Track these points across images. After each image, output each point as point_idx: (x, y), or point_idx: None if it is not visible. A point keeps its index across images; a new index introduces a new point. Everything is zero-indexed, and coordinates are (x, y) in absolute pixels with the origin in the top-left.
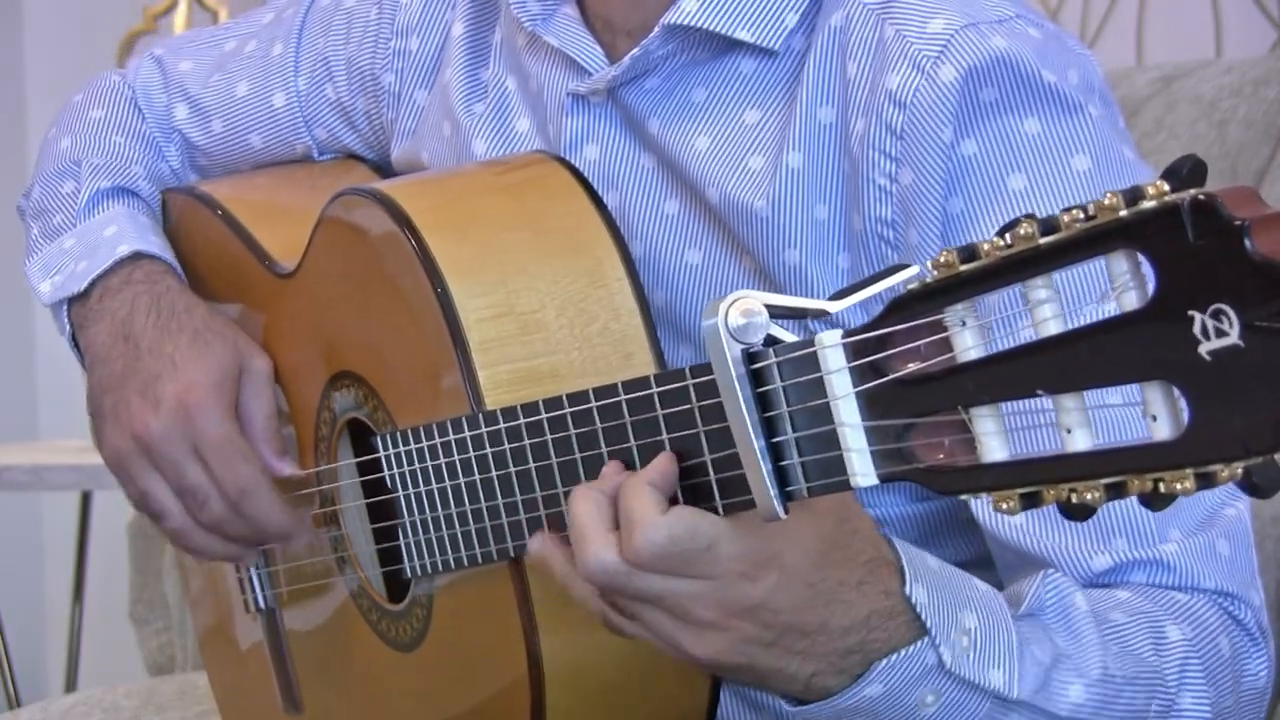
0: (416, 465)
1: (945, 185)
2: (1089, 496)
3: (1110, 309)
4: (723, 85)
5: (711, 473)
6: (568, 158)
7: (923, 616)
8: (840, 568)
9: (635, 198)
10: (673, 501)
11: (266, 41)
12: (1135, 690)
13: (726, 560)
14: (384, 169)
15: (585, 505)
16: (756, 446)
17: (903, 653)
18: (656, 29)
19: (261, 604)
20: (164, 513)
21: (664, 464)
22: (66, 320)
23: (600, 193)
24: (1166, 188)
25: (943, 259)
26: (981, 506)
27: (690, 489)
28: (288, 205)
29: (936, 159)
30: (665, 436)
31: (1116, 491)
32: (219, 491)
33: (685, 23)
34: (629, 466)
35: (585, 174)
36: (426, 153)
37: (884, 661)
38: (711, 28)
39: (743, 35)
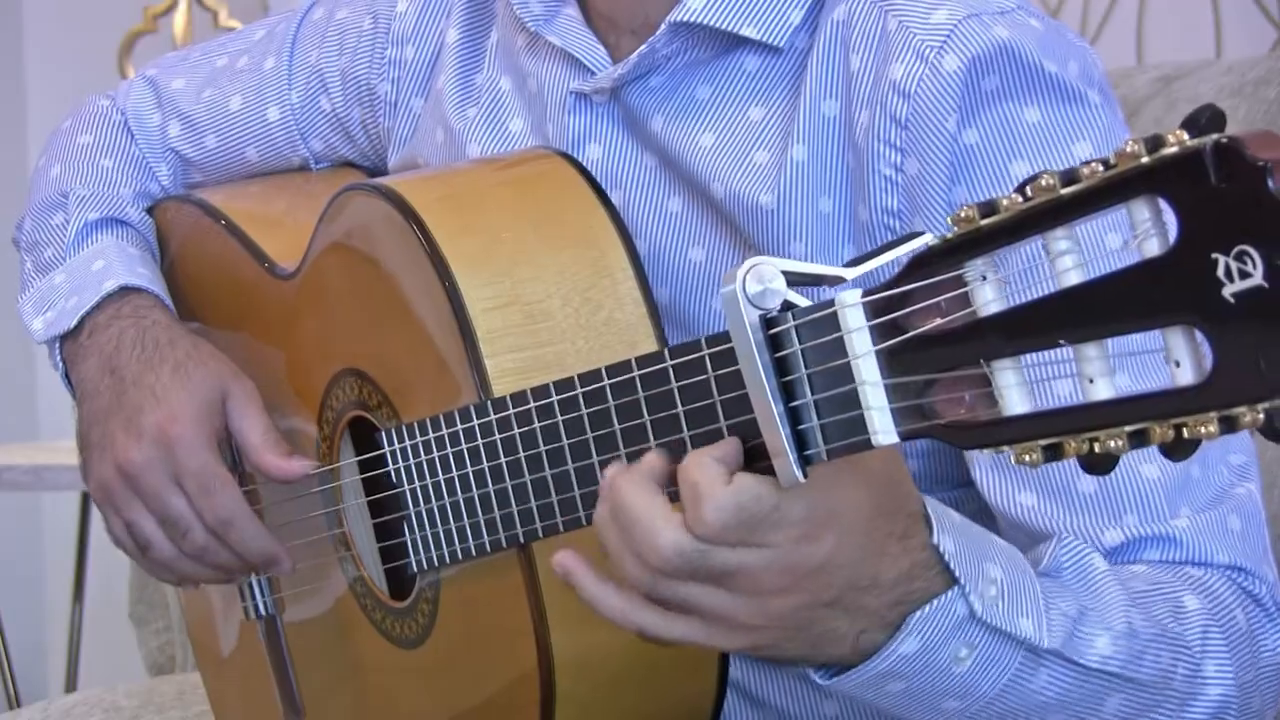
0: (423, 457)
1: (949, 174)
2: (1112, 445)
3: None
4: (727, 83)
5: None
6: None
7: (951, 566)
8: (888, 520)
9: (638, 196)
10: None
11: (259, 56)
12: (1160, 648)
13: (789, 524)
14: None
15: (639, 494)
16: (775, 411)
17: (935, 602)
18: (663, 26)
19: (263, 611)
20: (150, 543)
21: (731, 445)
22: (59, 358)
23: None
24: (1186, 136)
25: (963, 214)
26: (992, 487)
27: None
28: (283, 210)
29: (941, 148)
30: (680, 410)
31: (1139, 439)
32: (201, 521)
33: (691, 20)
34: (642, 442)
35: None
36: (422, 160)
37: (919, 612)
38: (717, 25)
39: (748, 32)
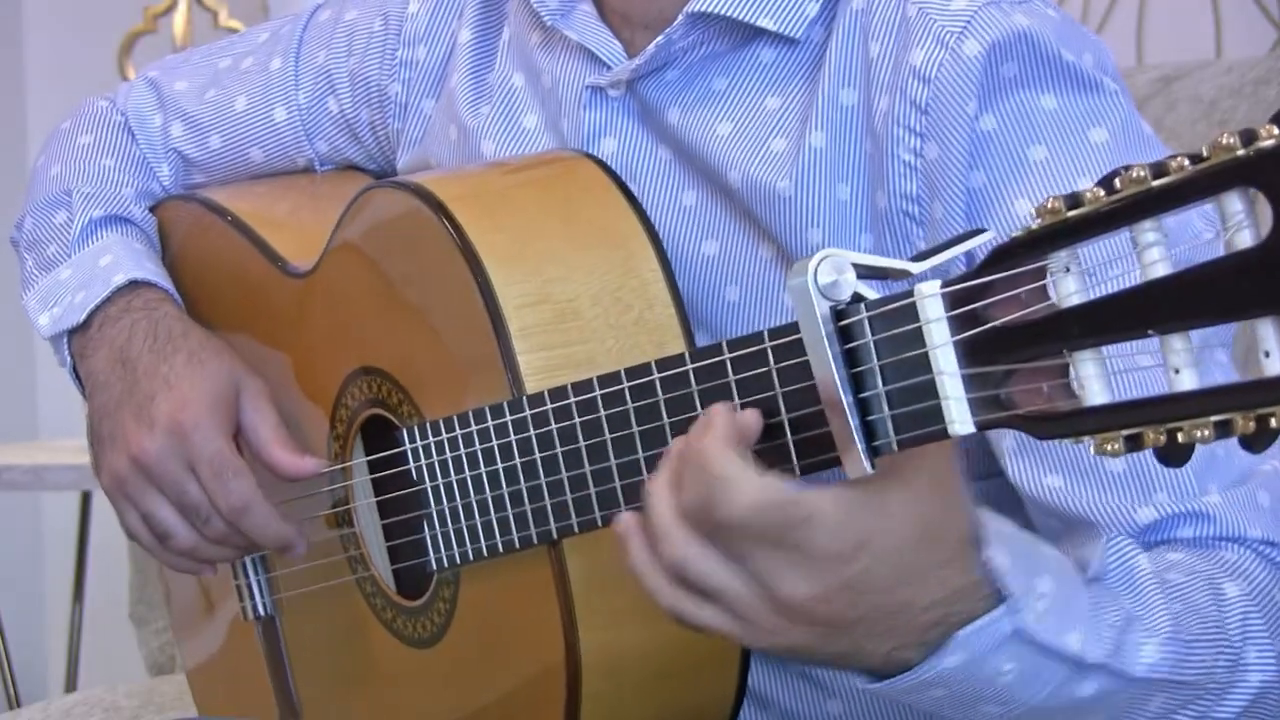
0: (448, 454)
1: (968, 159)
2: (1197, 434)
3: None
4: (743, 74)
5: (789, 434)
6: (586, 149)
7: (1005, 581)
8: (931, 548)
9: (653, 189)
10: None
11: (264, 57)
12: (1204, 647)
13: (823, 535)
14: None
15: (726, 451)
16: (846, 402)
17: (982, 620)
18: (680, 17)
19: (261, 611)
20: (170, 532)
21: (751, 419)
22: (67, 352)
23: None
24: (1277, 130)
25: (1050, 205)
26: (1019, 471)
27: (765, 451)
28: (290, 210)
29: (960, 132)
30: (737, 402)
31: (1224, 429)
32: (216, 509)
33: (709, 10)
34: None
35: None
36: (434, 159)
37: (962, 631)
38: (735, 15)
39: (765, 23)
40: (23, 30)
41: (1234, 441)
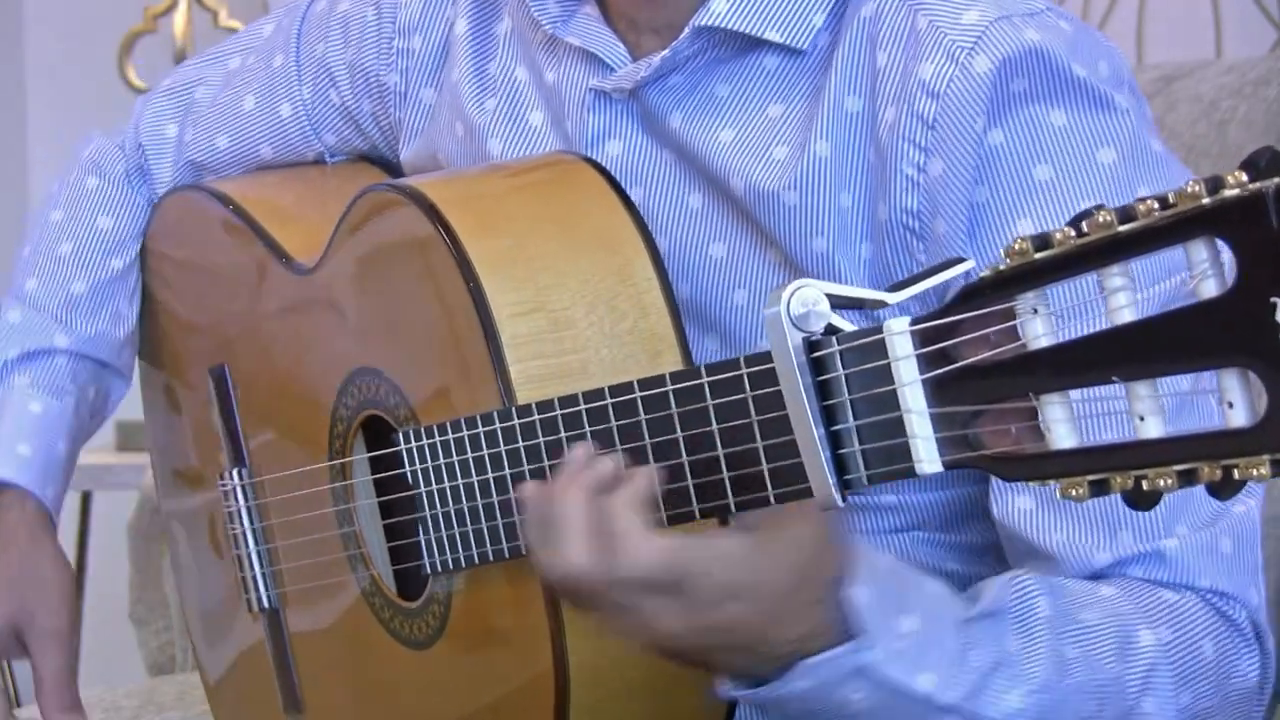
0: (441, 460)
1: (974, 174)
2: (1161, 483)
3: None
4: (747, 81)
5: (764, 462)
6: (590, 153)
7: (858, 618)
8: (804, 592)
9: (658, 192)
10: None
11: (267, 54)
12: (1084, 697)
13: (703, 590)
14: (394, 170)
15: (574, 505)
16: (816, 434)
17: (827, 654)
18: (686, 30)
19: (265, 604)
20: None
21: (647, 479)
22: None
23: (625, 188)
24: (1245, 177)
25: (1017, 246)
26: (995, 488)
27: (740, 479)
28: (299, 204)
29: (968, 149)
30: (715, 427)
31: (1188, 479)
32: None
33: (715, 24)
34: (674, 457)
35: (609, 170)
36: (441, 154)
37: (808, 660)
38: (741, 29)
39: (772, 35)
40: (23, 30)
41: None
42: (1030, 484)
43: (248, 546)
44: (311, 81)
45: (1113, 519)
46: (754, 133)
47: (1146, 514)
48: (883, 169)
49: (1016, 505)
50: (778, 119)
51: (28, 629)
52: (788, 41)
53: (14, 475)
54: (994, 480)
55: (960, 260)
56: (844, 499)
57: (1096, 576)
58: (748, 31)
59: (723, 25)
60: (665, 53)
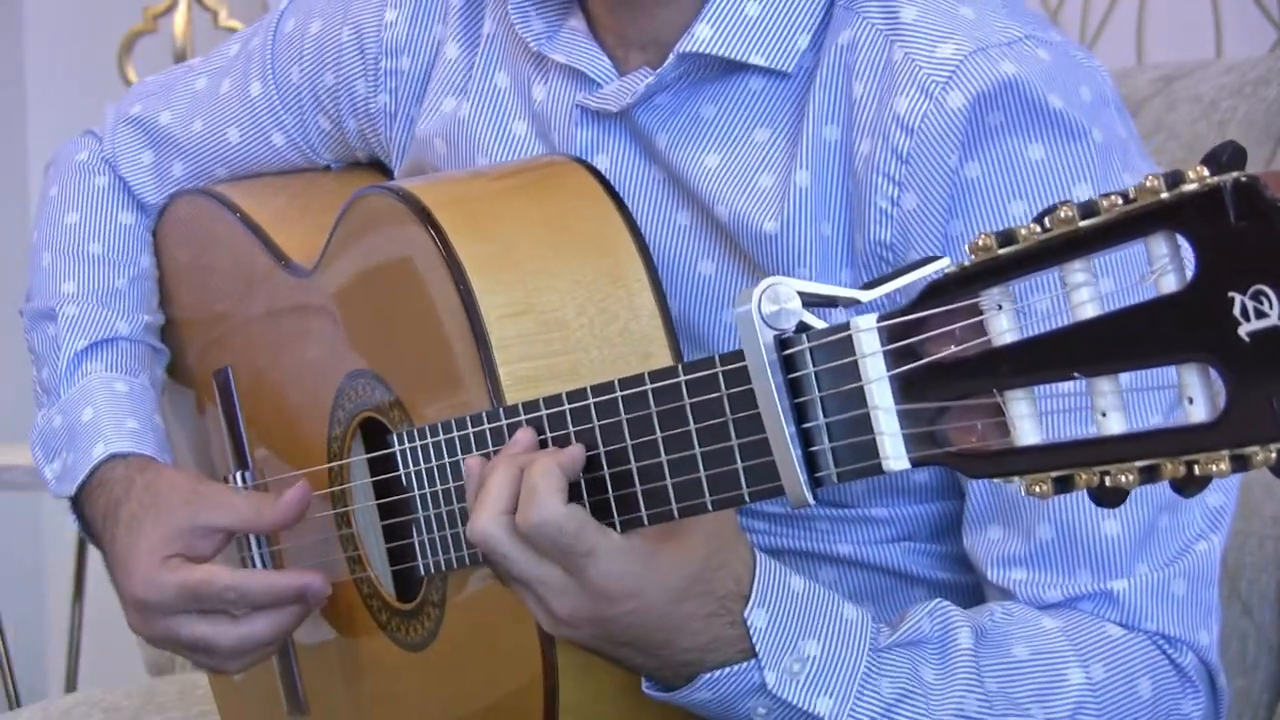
0: (434, 462)
1: (948, 207)
2: (1123, 479)
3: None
4: (732, 102)
5: (739, 460)
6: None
7: (754, 641)
8: (695, 601)
9: (647, 208)
10: (575, 495)
11: (241, 79)
12: None
13: (596, 575)
14: (391, 177)
15: (500, 470)
16: (787, 432)
17: (729, 669)
18: (671, 58)
19: None
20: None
21: (575, 452)
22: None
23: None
24: (1206, 172)
25: (981, 243)
26: (969, 514)
27: (715, 477)
28: (300, 208)
29: (941, 183)
30: (693, 427)
31: (1150, 475)
32: (225, 628)
33: (700, 50)
34: (653, 457)
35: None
36: (429, 167)
37: (710, 674)
38: (725, 54)
39: (756, 60)
40: (23, 30)
41: (1181, 516)
42: (994, 480)
43: (251, 549)
44: (295, 108)
45: (1072, 558)
46: (739, 159)
47: (1106, 554)
48: (859, 200)
49: (988, 535)
50: (764, 144)
51: (194, 517)
52: (772, 65)
53: (135, 447)
54: (973, 503)
55: (936, 258)
56: (815, 498)
57: (1047, 608)
58: (731, 57)
59: (707, 51)
60: (650, 79)
